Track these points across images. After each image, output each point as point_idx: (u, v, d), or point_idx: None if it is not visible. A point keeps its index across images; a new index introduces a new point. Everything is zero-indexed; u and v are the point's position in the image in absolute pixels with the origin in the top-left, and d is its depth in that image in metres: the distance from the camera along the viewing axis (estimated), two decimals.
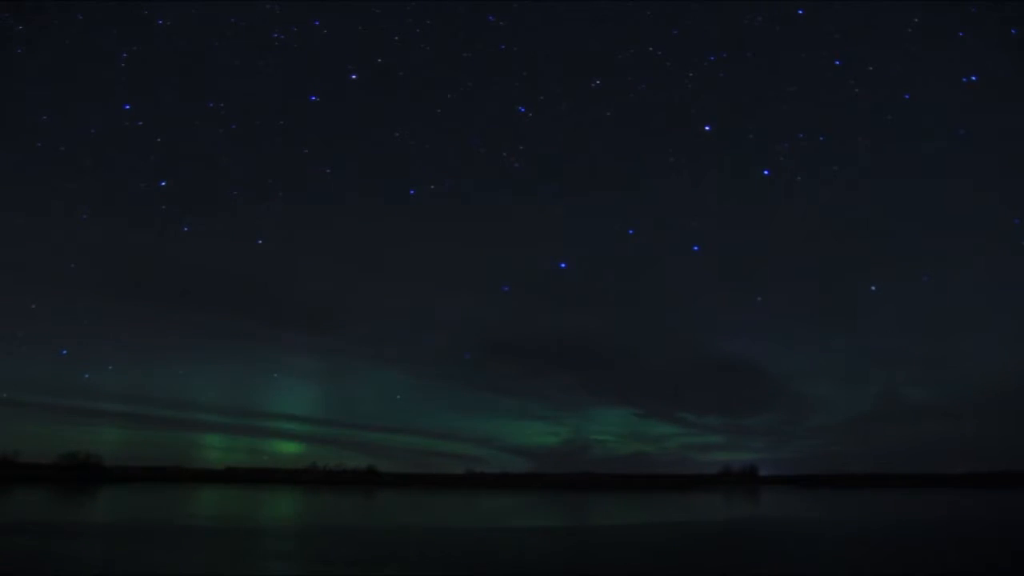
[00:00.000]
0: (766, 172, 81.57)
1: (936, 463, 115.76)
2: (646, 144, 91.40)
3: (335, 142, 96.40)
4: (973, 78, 66.94)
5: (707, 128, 77.79)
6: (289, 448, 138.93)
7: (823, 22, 73.84)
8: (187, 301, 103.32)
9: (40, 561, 14.66)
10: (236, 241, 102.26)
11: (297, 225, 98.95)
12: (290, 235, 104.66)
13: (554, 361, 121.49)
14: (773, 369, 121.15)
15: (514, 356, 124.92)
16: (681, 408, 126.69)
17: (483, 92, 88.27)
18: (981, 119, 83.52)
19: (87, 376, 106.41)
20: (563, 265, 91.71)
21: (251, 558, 15.73)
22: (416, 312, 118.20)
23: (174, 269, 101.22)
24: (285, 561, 15.53)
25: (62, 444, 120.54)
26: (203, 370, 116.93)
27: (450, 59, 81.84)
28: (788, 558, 16.56)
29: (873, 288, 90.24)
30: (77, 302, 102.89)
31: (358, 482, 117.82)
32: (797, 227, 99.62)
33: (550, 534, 23.67)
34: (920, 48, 72.03)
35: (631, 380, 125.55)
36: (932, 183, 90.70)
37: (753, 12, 72.91)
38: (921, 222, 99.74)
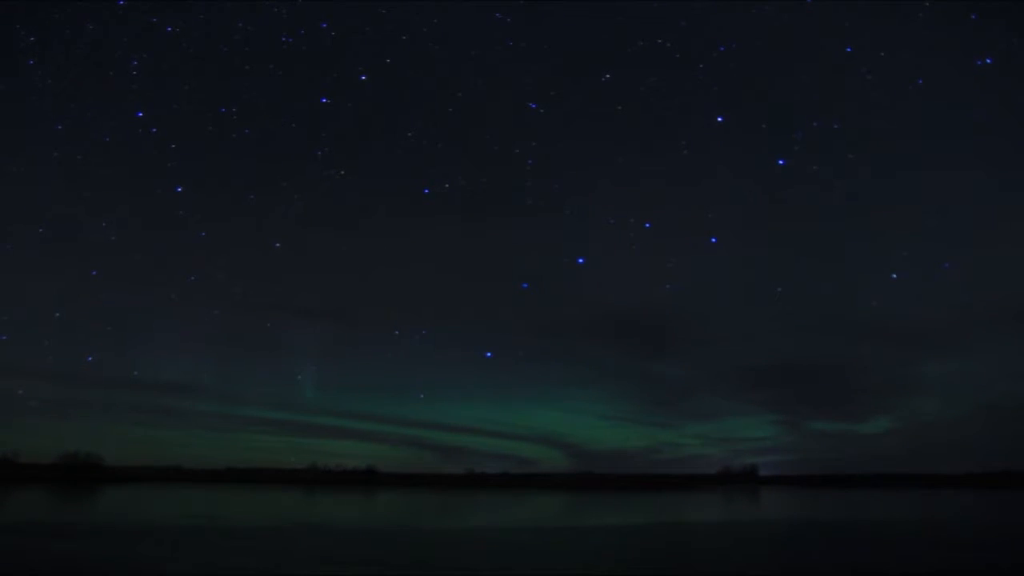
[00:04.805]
0: (781, 162, 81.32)
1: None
2: (658, 137, 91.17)
3: (348, 144, 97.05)
4: (988, 60, 66.59)
5: (719, 120, 77.43)
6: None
7: (832, 9, 73.20)
8: (205, 305, 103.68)
9: (40, 561, 14.64)
10: (253, 244, 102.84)
11: (314, 226, 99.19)
12: (307, 237, 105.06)
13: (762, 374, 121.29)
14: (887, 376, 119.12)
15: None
16: (816, 417, 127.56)
17: (493, 90, 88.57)
18: (997, 102, 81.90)
19: (107, 380, 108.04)
20: (581, 260, 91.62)
21: (251, 558, 15.71)
22: (434, 309, 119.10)
23: (191, 273, 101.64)
24: (285, 561, 15.50)
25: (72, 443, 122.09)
26: (239, 367, 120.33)
27: (459, 58, 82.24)
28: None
29: (894, 276, 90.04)
30: (99, 309, 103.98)
31: (357, 482, 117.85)
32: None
33: (539, 534, 23.65)
34: (932, 32, 71.50)
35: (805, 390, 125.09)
36: (943, 170, 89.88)
37: (761, 1, 72.83)
38: (939, 208, 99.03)
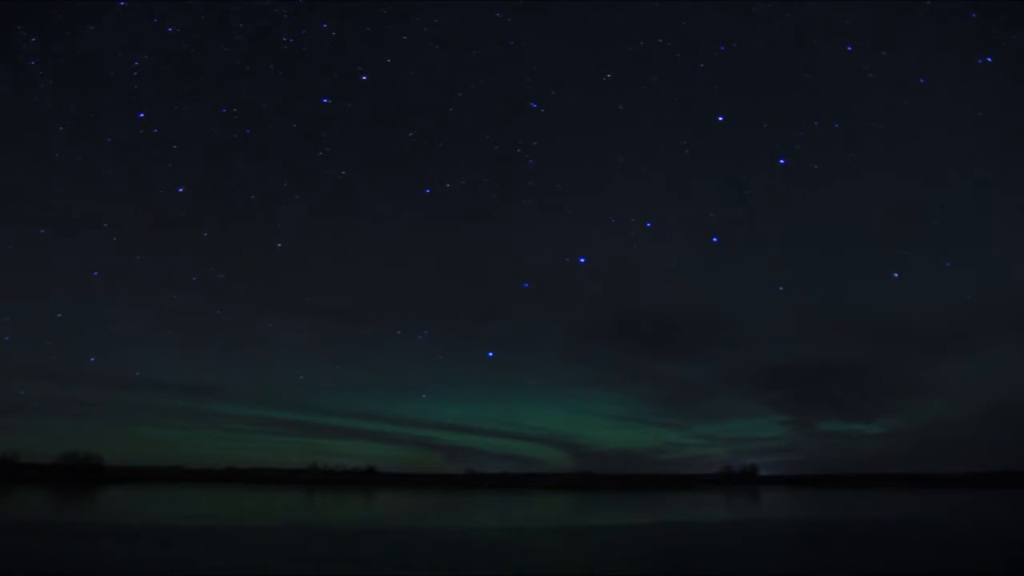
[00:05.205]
0: (782, 161, 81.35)
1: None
2: (660, 136, 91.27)
3: (349, 143, 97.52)
4: (989, 59, 66.32)
5: (720, 119, 77.05)
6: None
7: (833, 7, 72.82)
8: (207, 305, 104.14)
9: (40, 561, 14.65)
10: (255, 244, 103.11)
11: (316, 227, 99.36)
12: (308, 237, 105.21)
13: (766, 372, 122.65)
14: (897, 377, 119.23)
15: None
16: (822, 417, 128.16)
17: (494, 89, 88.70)
18: (999, 100, 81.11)
19: (108, 381, 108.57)
20: (582, 260, 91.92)
21: (251, 558, 15.72)
22: (436, 308, 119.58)
23: (193, 273, 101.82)
24: (284, 561, 15.52)
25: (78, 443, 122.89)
26: (234, 368, 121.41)
27: (459, 57, 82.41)
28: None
29: (896, 275, 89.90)
30: (102, 310, 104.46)
31: (358, 482, 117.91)
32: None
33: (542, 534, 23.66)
34: (933, 30, 71.22)
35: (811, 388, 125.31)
36: (944, 169, 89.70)
37: (762, 0, 72.75)
38: (942, 207, 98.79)
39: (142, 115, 76.46)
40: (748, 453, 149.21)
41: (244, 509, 38.78)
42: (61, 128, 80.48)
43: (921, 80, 74.27)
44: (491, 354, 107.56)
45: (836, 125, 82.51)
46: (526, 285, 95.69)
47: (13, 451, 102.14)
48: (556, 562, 15.96)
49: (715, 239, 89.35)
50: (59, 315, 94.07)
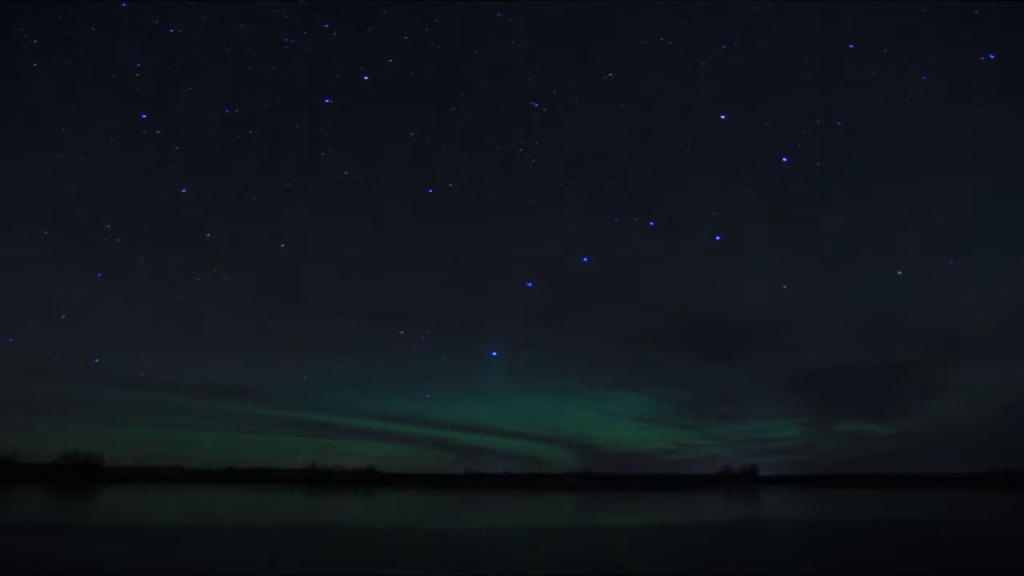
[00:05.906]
0: (784, 159, 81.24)
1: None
2: (661, 135, 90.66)
3: (351, 144, 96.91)
4: (991, 56, 65.99)
5: (722, 117, 76.36)
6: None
7: (835, 5, 72.16)
8: (210, 306, 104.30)
9: (40, 561, 14.60)
10: (258, 245, 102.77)
11: (318, 227, 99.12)
12: (311, 237, 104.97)
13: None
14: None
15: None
16: (837, 418, 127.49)
17: (495, 89, 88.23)
18: (1001, 98, 79.50)
19: (111, 381, 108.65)
20: (585, 260, 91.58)
21: (252, 558, 15.67)
22: (438, 308, 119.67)
23: (196, 274, 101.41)
24: (284, 561, 15.47)
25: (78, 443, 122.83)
26: (236, 368, 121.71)
27: (461, 57, 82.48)
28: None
29: (900, 273, 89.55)
30: (105, 312, 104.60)
31: (358, 482, 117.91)
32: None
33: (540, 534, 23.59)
34: (935, 28, 70.93)
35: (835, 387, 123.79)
36: (946, 166, 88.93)
37: None
38: (944, 206, 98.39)
39: (144, 116, 76.34)
40: (760, 453, 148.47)
41: (244, 509, 38.74)
42: (63, 129, 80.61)
43: (923, 77, 74.06)
44: (495, 353, 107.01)
45: (838, 123, 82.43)
46: (529, 284, 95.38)
47: (13, 451, 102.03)
48: (555, 562, 15.90)
49: (718, 237, 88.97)
50: (63, 316, 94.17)
